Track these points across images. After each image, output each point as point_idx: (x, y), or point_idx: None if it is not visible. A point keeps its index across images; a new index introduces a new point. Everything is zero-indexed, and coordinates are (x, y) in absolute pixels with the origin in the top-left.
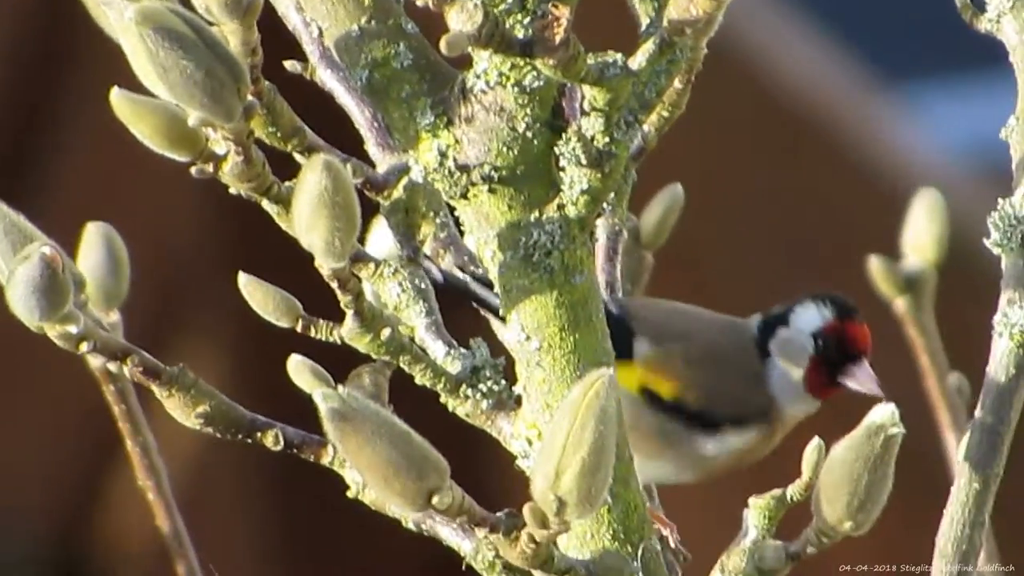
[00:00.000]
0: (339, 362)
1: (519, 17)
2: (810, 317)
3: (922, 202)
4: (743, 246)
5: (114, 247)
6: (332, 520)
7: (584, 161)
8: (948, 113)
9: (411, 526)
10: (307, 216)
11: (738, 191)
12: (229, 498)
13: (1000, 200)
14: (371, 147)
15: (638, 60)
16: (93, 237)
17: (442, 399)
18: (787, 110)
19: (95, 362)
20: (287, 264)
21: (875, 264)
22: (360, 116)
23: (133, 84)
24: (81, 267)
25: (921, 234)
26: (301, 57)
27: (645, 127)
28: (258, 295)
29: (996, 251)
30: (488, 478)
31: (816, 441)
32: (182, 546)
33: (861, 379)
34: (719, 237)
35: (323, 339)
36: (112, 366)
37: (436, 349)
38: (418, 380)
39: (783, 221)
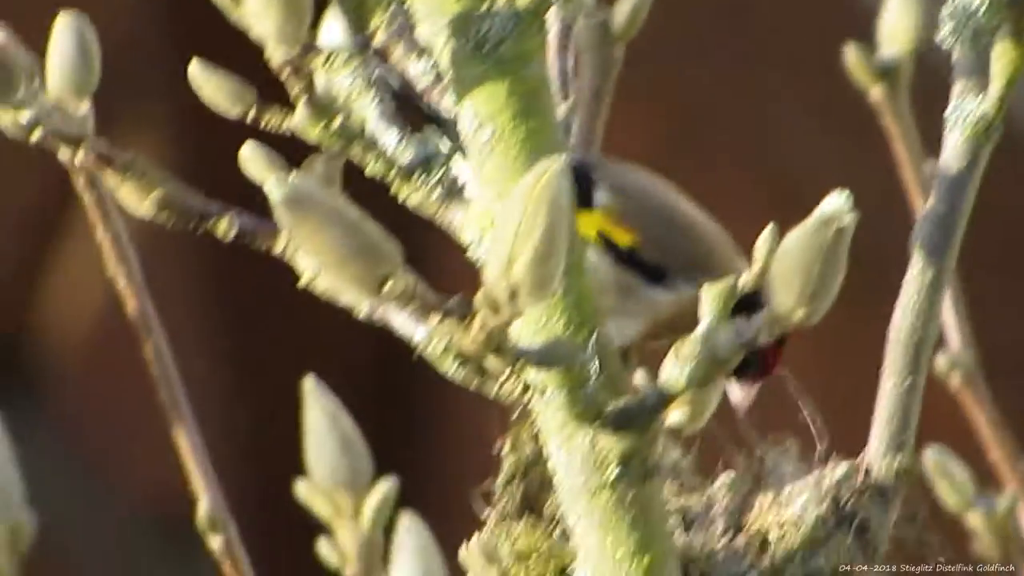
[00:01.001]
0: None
1: None
2: None
3: None
4: (708, 38)
5: (84, 38)
6: (278, 314)
7: None
8: None
9: (363, 314)
10: (259, 4)
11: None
12: (173, 291)
13: None
14: None
15: None
16: (63, 28)
17: (394, 188)
18: None
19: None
20: (232, 61)
21: (850, 53)
22: None
23: None
24: (51, 57)
25: (896, 23)
26: None
27: None
28: (210, 84)
29: (948, 44)
30: (441, 267)
31: (769, 228)
32: (151, 331)
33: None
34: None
35: (274, 129)
36: (65, 153)
37: (388, 138)
38: (369, 169)
39: (727, 15)
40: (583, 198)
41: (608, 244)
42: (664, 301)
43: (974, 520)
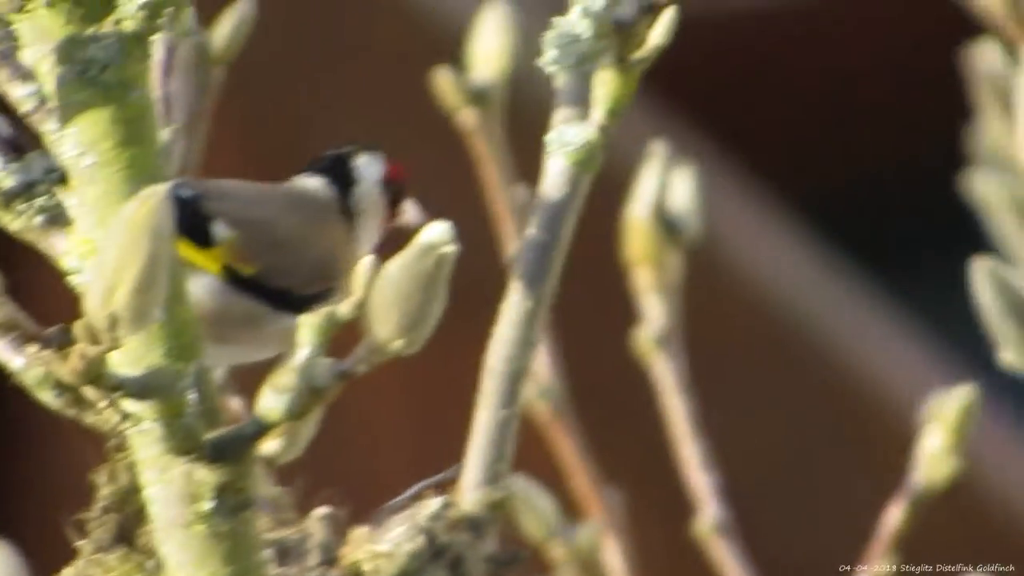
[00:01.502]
0: None
1: None
2: (371, 168)
3: (490, 15)
4: (291, 55)
5: None
6: None
7: None
8: None
9: None
10: None
11: (278, 9)
12: None
13: (555, 19)
14: None
15: None
16: None
17: None
18: None
19: None
20: None
21: (441, 76)
22: None
23: None
24: None
25: (489, 46)
26: None
27: None
28: None
29: (551, 70)
30: (42, 295)
31: (369, 258)
32: None
33: (413, 213)
34: (267, 50)
35: None
36: None
37: None
38: None
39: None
40: (200, 234)
41: (233, 276)
42: (294, 324)
43: (557, 551)
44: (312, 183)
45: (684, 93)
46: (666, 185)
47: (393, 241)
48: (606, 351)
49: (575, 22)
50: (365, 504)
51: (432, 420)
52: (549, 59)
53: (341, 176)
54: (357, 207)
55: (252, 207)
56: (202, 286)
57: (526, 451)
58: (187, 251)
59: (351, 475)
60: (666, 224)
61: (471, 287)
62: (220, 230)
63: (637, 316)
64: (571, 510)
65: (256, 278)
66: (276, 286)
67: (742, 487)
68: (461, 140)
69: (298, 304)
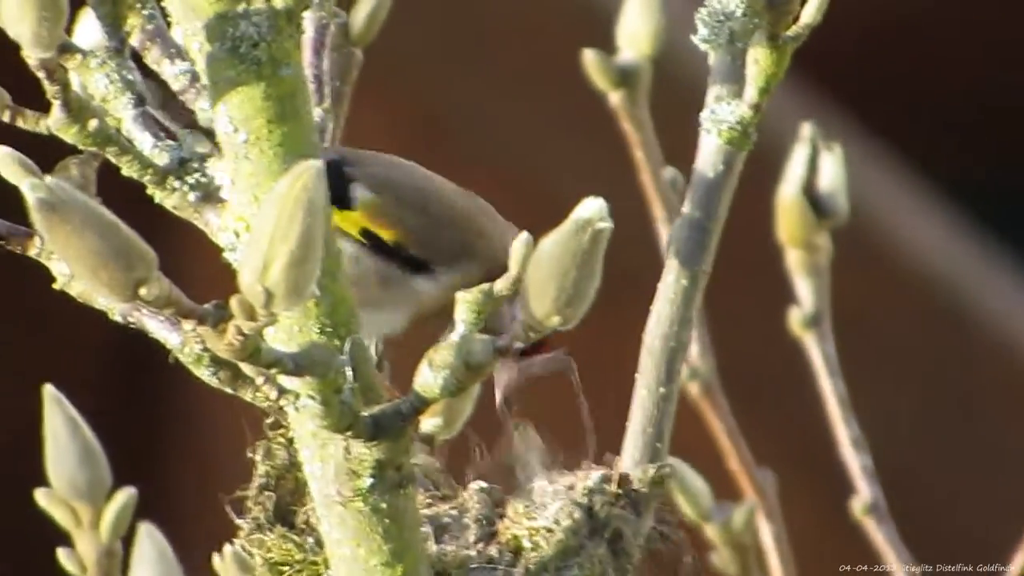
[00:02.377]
0: (44, 159)
1: None
2: None
3: None
4: (436, 37)
5: None
6: (22, 317)
7: None
8: None
9: (118, 318)
10: (14, 6)
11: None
12: None
13: None
14: None
15: None
16: None
17: (149, 191)
18: None
19: None
20: None
21: (589, 57)
22: None
23: None
24: None
25: (635, 27)
26: None
27: None
28: None
29: (704, 47)
30: (196, 272)
31: (524, 235)
32: None
33: None
34: (414, 39)
35: (29, 129)
36: None
37: (143, 140)
38: (125, 171)
39: (471, 23)
40: (341, 196)
41: (372, 239)
42: (428, 290)
43: (712, 531)
44: None
45: (833, 71)
46: (816, 167)
47: (547, 219)
48: (758, 331)
49: (727, 0)
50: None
51: (589, 397)
52: (701, 37)
53: None
54: None
55: (393, 171)
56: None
57: (679, 431)
58: None
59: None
60: (816, 205)
61: (624, 267)
62: (360, 192)
63: (789, 296)
64: (724, 491)
65: (394, 245)
66: (414, 256)
67: (893, 466)
68: (612, 121)
69: (433, 272)
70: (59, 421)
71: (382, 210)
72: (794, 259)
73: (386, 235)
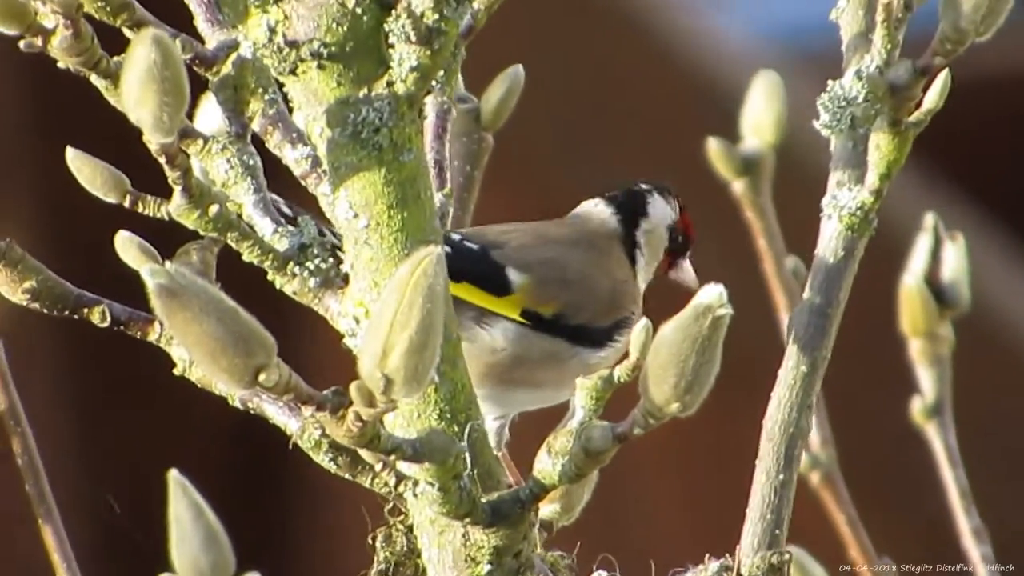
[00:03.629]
0: (164, 240)
1: None
2: (664, 209)
3: (760, 84)
4: (562, 124)
5: None
6: (148, 403)
7: (413, 38)
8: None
9: (238, 404)
10: (136, 90)
11: (551, 77)
12: (40, 379)
13: (830, 82)
14: (200, 23)
15: None
16: None
17: (270, 276)
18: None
19: None
20: (106, 141)
21: (713, 146)
22: None
23: None
24: None
25: (760, 116)
26: None
27: (475, 5)
28: (86, 170)
29: (826, 133)
30: (315, 357)
31: (644, 321)
32: (19, 423)
33: (689, 273)
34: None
35: (150, 215)
36: None
37: (264, 226)
38: (246, 257)
39: (597, 104)
40: (499, 283)
41: (534, 318)
42: (599, 358)
43: None
44: (597, 211)
45: (953, 157)
46: (938, 256)
47: (663, 303)
48: (879, 421)
49: (849, 85)
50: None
51: (706, 485)
52: (823, 122)
53: (630, 209)
54: (640, 242)
55: (538, 249)
56: (503, 332)
57: (799, 519)
58: (485, 300)
59: (625, 543)
60: (938, 295)
61: (744, 354)
62: (514, 276)
63: (911, 386)
64: None
65: (555, 317)
66: (574, 323)
67: (1014, 557)
68: (735, 208)
69: (597, 337)
70: (183, 506)
71: (536, 287)
72: (916, 349)
73: (545, 310)
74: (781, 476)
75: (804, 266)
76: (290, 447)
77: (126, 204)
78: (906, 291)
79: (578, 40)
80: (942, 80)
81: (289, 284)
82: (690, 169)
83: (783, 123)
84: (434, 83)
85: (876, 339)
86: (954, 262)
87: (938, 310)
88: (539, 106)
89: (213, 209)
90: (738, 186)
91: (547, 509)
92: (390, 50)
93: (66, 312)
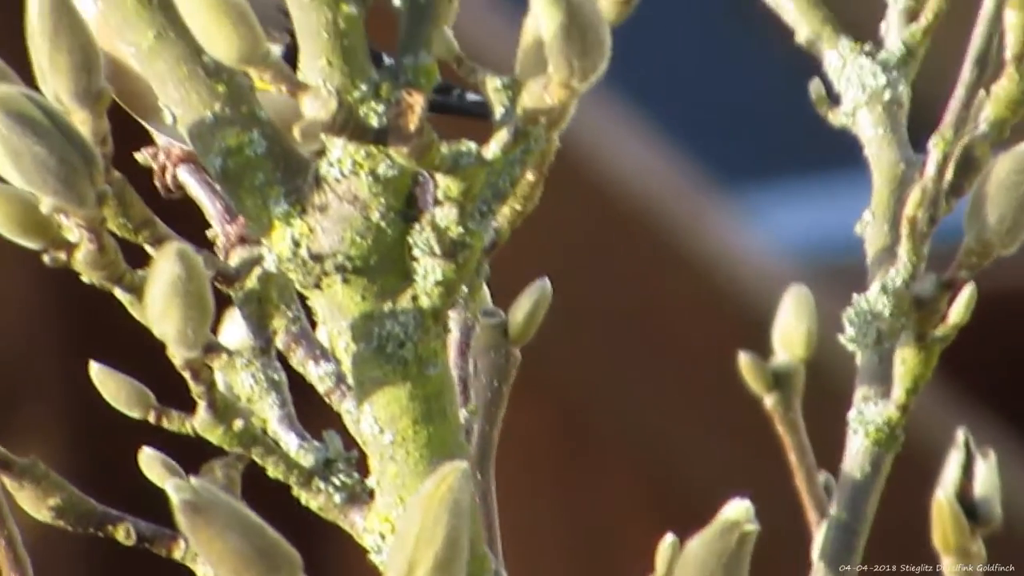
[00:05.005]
0: (186, 451)
1: (373, 105)
2: None
3: (790, 299)
4: (587, 347)
5: None
6: None
7: (438, 251)
8: (783, 215)
9: None
10: (160, 305)
11: (577, 292)
12: None
13: (855, 296)
14: (218, 232)
15: (492, 149)
16: None
17: (295, 492)
18: (623, 209)
19: None
20: (123, 351)
21: (744, 360)
22: (212, 208)
23: None
24: None
25: (790, 330)
26: (151, 143)
27: (497, 220)
28: (110, 384)
29: (851, 347)
30: (341, 573)
31: (669, 537)
32: None
33: None
34: (563, 338)
35: (174, 430)
36: None
37: (289, 441)
38: (271, 472)
39: (623, 320)
40: None
41: None
42: None
43: None
44: None
45: (981, 371)
46: (970, 472)
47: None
48: None
49: (874, 299)
50: None
51: None
52: (849, 337)
53: None
54: None
55: None
56: None
57: None
58: None
59: None
60: (970, 511)
61: (773, 569)
62: None
63: None
64: None
65: None
66: None
67: None
68: (765, 423)
69: None
70: None
71: None
72: (947, 566)
73: None
74: None
75: (835, 481)
76: None
77: (151, 419)
78: (937, 507)
79: (606, 254)
80: (967, 294)
81: (314, 500)
82: (719, 381)
83: (814, 338)
84: (459, 297)
85: (907, 556)
86: (986, 478)
87: (970, 526)
88: (566, 320)
89: (238, 424)
90: (769, 400)
91: None
92: (414, 263)
93: (91, 529)
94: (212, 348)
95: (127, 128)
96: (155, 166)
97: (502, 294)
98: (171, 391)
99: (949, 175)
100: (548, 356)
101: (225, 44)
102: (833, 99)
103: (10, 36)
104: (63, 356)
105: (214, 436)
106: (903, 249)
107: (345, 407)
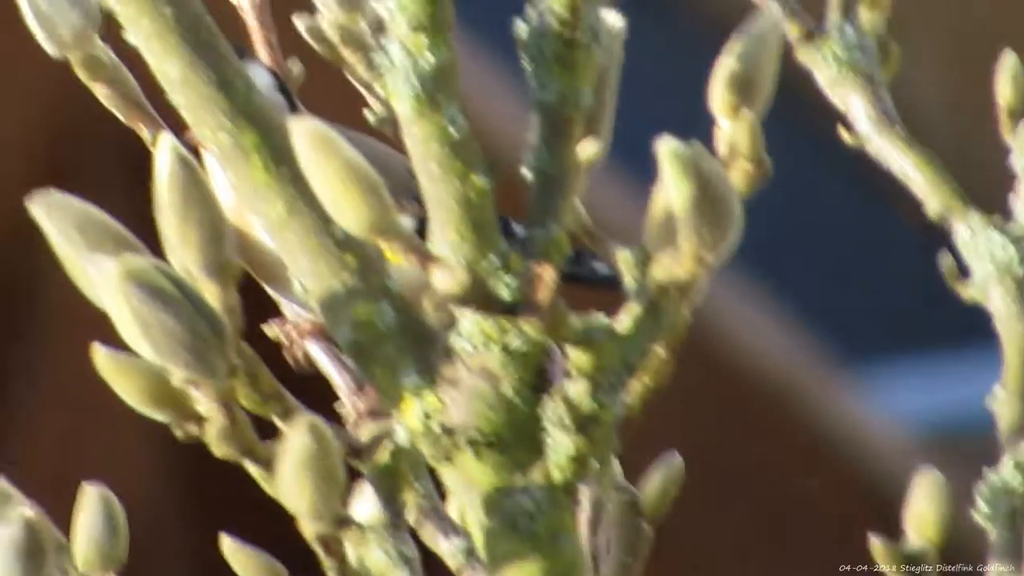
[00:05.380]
0: None
1: (504, 277)
2: None
3: (923, 483)
4: (715, 524)
5: (111, 510)
6: None
7: (570, 425)
8: (907, 392)
9: None
10: (292, 479)
11: (707, 468)
12: None
13: (986, 471)
14: (346, 404)
15: (624, 323)
16: (90, 500)
17: None
18: (753, 389)
19: None
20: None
21: (875, 544)
22: (340, 381)
23: (92, 337)
24: (78, 530)
25: (923, 515)
26: (279, 314)
27: (628, 394)
28: (241, 558)
29: (985, 524)
30: None
31: None
32: None
33: None
34: (691, 514)
35: None
36: None
37: None
38: None
39: (752, 495)
40: None
41: None
42: None
43: None
44: None
45: None
46: None
47: None
48: None
49: (1007, 475)
50: None
51: None
52: (983, 513)
53: None
54: None
55: None
56: None
57: None
58: None
59: None
60: None
61: None
62: None
63: None
64: None
65: None
66: None
67: None
68: None
69: None
70: None
71: None
72: None
73: None
74: None
75: None
76: None
77: None
78: None
79: (734, 430)
80: None
81: None
82: (852, 557)
83: (947, 524)
84: (590, 470)
85: None
86: None
87: None
88: (697, 497)
89: None
90: None
91: None
92: (544, 436)
93: None
94: (344, 522)
95: (255, 299)
96: (284, 340)
97: (632, 469)
98: (302, 563)
99: None
100: (679, 532)
101: (354, 214)
102: (963, 272)
103: (139, 204)
104: (192, 529)
105: None
106: None
107: None
